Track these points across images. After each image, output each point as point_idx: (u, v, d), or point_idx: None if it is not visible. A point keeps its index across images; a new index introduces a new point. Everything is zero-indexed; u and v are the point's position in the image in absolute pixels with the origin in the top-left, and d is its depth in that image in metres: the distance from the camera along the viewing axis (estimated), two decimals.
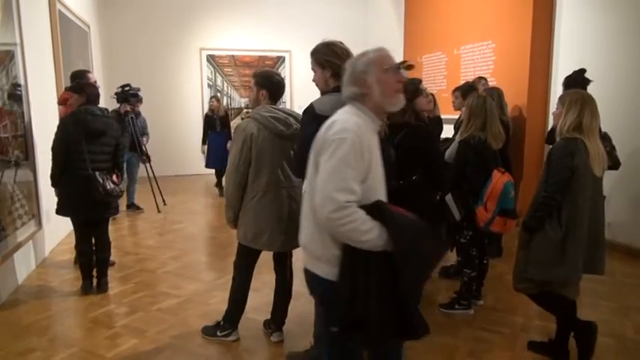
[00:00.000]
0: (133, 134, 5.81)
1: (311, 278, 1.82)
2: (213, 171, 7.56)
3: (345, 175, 1.58)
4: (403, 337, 1.78)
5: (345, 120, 1.67)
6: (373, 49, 1.79)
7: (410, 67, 1.82)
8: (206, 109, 9.39)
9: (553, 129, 4.38)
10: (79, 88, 3.64)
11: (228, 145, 7.35)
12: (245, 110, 9.76)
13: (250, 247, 2.77)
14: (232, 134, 2.75)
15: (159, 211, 6.23)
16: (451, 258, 4.12)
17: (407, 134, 2.80)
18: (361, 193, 1.61)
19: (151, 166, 6.27)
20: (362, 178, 1.62)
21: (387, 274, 1.60)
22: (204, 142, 7.45)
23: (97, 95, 3.70)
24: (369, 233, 1.57)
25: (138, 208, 6.37)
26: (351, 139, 1.60)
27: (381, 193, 1.75)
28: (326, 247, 1.69)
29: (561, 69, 5.19)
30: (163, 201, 6.55)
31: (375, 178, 1.71)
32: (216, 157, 7.34)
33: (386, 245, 1.58)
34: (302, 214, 1.86)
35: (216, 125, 7.31)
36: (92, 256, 3.69)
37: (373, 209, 1.61)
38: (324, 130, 1.71)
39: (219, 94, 7.81)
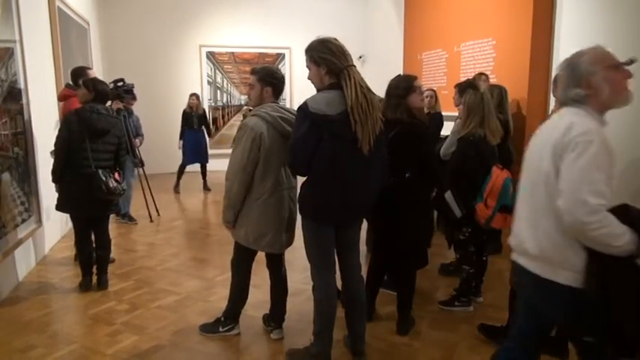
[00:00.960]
0: (125, 135, 5.34)
1: (549, 287, 1.71)
2: (212, 169, 7.55)
3: (595, 177, 1.54)
4: None
5: (583, 122, 1.62)
6: (589, 48, 1.74)
7: (632, 62, 1.73)
8: (206, 107, 9.41)
9: None
10: (89, 83, 3.60)
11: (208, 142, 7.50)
12: (246, 107, 9.75)
13: (250, 248, 2.76)
14: (237, 131, 2.66)
15: (151, 221, 5.77)
16: (450, 255, 4.12)
17: (399, 131, 2.79)
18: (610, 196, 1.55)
19: (144, 171, 5.82)
20: (610, 181, 1.57)
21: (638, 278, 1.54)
22: (181, 138, 7.48)
23: (107, 94, 3.70)
24: (622, 238, 1.53)
25: (131, 219, 5.71)
26: (598, 141, 1.56)
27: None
28: (568, 252, 1.64)
29: None
30: (157, 211, 6.01)
31: (614, 183, 1.65)
32: (192, 154, 7.37)
33: (637, 250, 1.53)
34: (523, 219, 1.80)
35: (193, 123, 7.34)
36: (92, 254, 3.70)
37: (620, 212, 1.56)
38: (560, 134, 1.63)
39: (198, 94, 7.71)
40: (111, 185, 3.48)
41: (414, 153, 2.83)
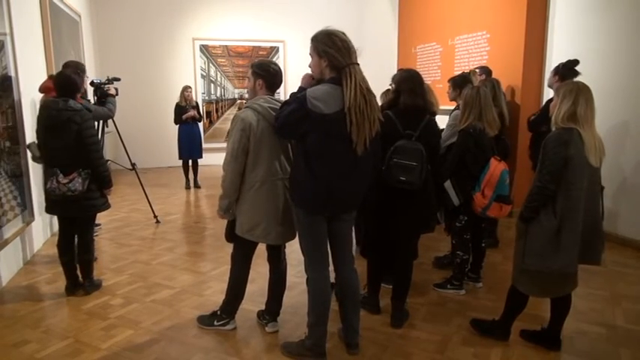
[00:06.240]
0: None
1: None
2: (206, 163, 7.46)
3: None
4: None
5: None
6: None
7: None
8: (200, 100, 9.35)
9: (538, 118, 4.42)
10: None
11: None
12: (240, 101, 9.72)
13: (246, 238, 2.77)
14: (231, 123, 2.71)
15: (157, 222, 5.47)
16: (444, 248, 4.14)
17: (433, 119, 2.98)
18: None
19: (137, 172, 5.52)
20: None
21: None
22: (179, 130, 7.27)
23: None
24: None
25: None
26: None
27: None
28: None
29: (555, 59, 5.20)
30: (154, 215, 5.56)
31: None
32: (187, 149, 7.24)
33: None
34: None
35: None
36: (70, 258, 3.47)
37: None
38: None
39: (190, 88, 7.47)
40: (48, 186, 3.21)
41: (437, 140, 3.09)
